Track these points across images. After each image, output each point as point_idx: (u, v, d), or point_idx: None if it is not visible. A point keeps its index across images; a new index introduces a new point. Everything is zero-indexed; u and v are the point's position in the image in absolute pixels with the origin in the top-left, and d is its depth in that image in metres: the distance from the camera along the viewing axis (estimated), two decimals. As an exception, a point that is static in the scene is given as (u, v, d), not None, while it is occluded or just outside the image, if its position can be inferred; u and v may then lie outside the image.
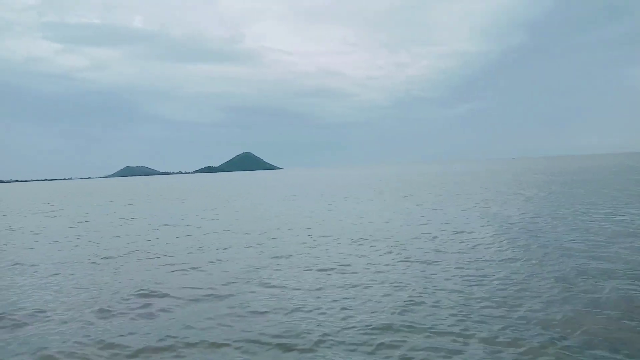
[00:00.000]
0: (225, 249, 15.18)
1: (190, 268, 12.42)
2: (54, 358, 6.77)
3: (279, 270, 11.72)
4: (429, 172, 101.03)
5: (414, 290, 9.25)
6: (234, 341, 7.02)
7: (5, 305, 9.58)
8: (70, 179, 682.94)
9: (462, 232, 16.28)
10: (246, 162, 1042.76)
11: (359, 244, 14.76)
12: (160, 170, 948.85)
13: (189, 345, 6.96)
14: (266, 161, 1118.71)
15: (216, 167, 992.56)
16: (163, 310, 8.77)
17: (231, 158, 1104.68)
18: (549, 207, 22.30)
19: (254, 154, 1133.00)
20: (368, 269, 11.26)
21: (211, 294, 9.72)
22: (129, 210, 33.63)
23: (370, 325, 7.31)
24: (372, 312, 7.97)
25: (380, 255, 12.88)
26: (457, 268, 10.92)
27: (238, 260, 13.21)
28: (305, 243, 15.49)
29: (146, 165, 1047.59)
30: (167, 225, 23.03)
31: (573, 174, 56.15)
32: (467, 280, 9.76)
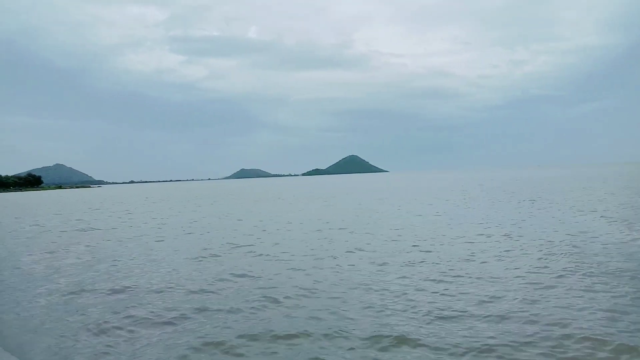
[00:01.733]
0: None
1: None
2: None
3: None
4: (556, 177, 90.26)
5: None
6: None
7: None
8: (192, 180, 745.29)
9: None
10: (352, 165, 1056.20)
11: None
12: (272, 173, 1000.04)
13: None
14: (372, 164, 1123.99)
15: (323, 170, 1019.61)
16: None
17: (337, 161, 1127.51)
18: None
19: (360, 156, 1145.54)
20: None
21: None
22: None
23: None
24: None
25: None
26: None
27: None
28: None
29: (259, 168, 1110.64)
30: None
31: None
32: None
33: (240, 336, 7.37)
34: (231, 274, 11.75)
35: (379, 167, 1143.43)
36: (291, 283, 10.53)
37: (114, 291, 10.53)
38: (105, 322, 8.35)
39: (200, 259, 14.12)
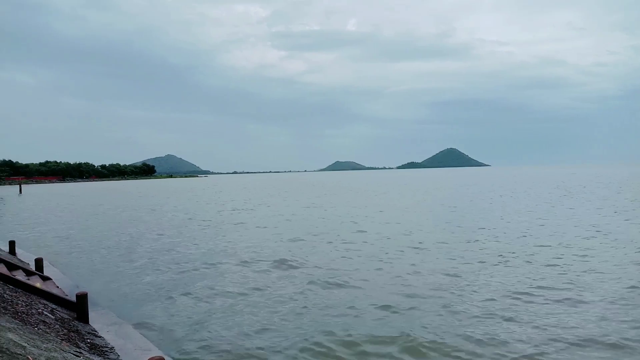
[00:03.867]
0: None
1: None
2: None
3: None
4: None
5: None
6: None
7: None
8: (290, 171, 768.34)
9: None
10: (449, 158, 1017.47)
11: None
12: (366, 165, 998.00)
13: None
14: (471, 157, 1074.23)
15: (419, 163, 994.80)
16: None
17: (434, 154, 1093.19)
18: None
19: (459, 149, 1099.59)
20: None
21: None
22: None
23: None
24: None
25: None
26: None
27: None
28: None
29: (353, 160, 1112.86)
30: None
31: None
32: None
33: None
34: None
35: (480, 160, 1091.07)
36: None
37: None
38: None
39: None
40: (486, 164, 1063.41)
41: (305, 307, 8.40)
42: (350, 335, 6.95)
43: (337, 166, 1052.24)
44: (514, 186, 54.09)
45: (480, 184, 63.30)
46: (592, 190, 40.75)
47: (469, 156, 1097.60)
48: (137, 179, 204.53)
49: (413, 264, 11.76)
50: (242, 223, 22.38)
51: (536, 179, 76.52)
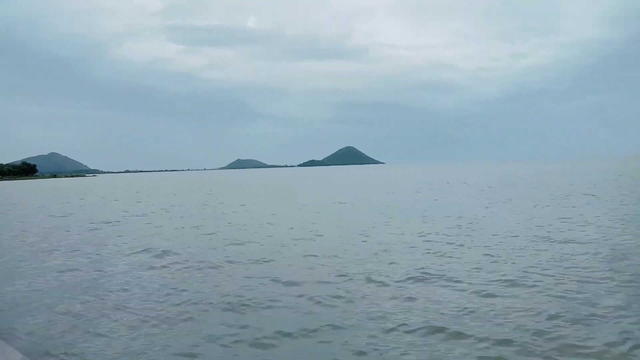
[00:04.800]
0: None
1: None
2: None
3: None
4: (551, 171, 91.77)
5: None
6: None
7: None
8: (188, 170, 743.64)
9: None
10: (348, 156, 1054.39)
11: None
12: (268, 163, 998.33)
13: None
14: (368, 155, 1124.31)
15: (319, 161, 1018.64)
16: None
17: (334, 152, 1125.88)
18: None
19: (357, 148, 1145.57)
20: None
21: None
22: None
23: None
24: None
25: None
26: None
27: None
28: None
29: (255, 159, 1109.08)
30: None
31: None
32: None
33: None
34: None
35: (376, 159, 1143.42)
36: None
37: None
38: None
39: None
40: (381, 161, 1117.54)
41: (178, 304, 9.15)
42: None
43: (239, 164, 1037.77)
44: (408, 183, 59.79)
45: (374, 180, 68.70)
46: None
47: (366, 154, 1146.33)
48: (15, 179, 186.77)
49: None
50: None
51: (429, 175, 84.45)
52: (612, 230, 16.15)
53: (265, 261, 12.97)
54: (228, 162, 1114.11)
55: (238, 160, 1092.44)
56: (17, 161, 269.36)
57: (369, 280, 10.46)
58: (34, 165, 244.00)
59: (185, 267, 12.63)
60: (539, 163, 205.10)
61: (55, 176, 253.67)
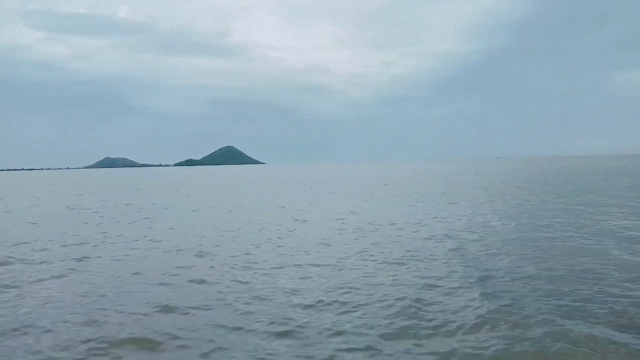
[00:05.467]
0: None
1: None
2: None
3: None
4: (415, 170, 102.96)
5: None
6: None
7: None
8: (48, 169, 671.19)
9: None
10: (228, 156, 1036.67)
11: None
12: (141, 162, 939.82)
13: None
14: (249, 155, 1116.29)
15: (197, 161, 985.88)
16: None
17: (213, 151, 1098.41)
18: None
19: (237, 148, 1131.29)
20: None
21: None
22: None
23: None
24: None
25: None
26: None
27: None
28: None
29: (126, 157, 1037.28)
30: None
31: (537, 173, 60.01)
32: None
33: None
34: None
35: (256, 159, 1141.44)
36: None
37: None
38: None
39: None
40: (262, 161, 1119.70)
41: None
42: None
43: (108, 163, 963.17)
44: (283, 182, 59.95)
45: (253, 180, 67.85)
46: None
47: (246, 154, 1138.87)
48: None
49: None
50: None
51: (303, 175, 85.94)
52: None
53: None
54: (95, 161, 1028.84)
55: (107, 159, 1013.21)
56: None
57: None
58: None
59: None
60: (406, 163, 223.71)
61: None
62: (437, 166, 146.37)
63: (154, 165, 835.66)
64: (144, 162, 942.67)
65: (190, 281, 10.13)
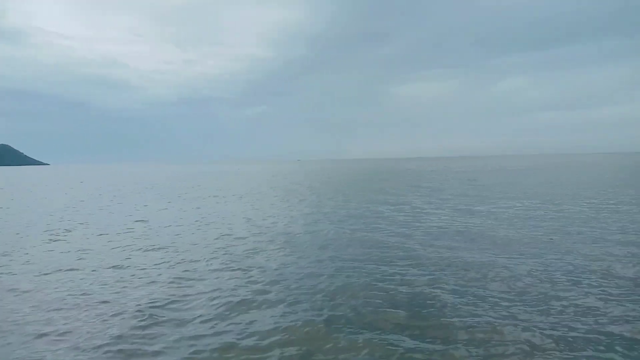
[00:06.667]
0: None
1: None
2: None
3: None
4: (211, 171, 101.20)
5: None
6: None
7: None
8: None
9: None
10: (4, 156, 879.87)
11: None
12: None
13: None
14: (28, 155, 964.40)
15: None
16: None
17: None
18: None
19: (13, 146, 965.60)
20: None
21: None
22: None
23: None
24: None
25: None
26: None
27: None
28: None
29: None
30: None
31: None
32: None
33: None
34: None
35: (37, 159, 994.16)
36: None
37: None
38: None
39: None
40: (45, 162, 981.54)
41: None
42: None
43: None
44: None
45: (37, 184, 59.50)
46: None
47: (25, 154, 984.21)
48: None
49: None
50: None
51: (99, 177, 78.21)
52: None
53: None
54: None
55: None
56: None
57: None
58: None
59: None
60: (210, 164, 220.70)
61: None
62: (241, 167, 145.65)
63: None
64: None
65: None
